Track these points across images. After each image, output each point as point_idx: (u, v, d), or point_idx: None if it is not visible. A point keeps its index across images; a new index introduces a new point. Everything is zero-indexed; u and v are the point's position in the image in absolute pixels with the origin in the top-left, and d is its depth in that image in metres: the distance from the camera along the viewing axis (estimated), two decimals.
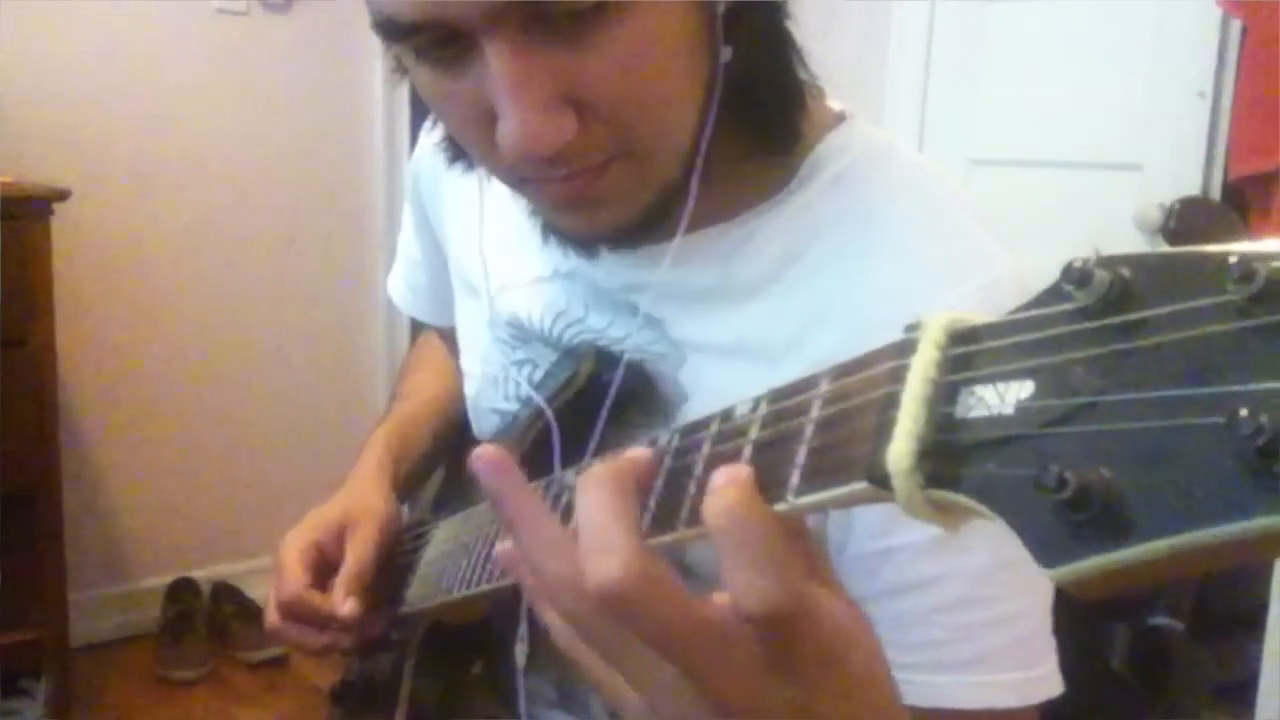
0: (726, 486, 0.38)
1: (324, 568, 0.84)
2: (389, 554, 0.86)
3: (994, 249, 0.65)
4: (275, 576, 0.84)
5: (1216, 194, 2.02)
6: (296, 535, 0.85)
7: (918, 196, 0.67)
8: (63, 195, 2.02)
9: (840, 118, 0.70)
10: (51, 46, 2.36)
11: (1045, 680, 0.63)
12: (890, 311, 0.61)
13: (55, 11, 2.35)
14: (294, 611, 0.82)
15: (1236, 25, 1.94)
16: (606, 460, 0.44)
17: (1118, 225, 2.12)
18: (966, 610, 0.61)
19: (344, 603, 0.80)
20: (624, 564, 0.38)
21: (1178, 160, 2.05)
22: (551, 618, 0.44)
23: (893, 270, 0.63)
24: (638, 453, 0.44)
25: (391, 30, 0.56)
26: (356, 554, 0.83)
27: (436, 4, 0.53)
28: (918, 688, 0.61)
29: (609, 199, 0.62)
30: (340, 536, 0.85)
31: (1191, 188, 2.03)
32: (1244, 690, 1.62)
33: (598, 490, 0.40)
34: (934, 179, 0.69)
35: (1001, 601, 0.61)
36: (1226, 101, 1.99)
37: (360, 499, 0.89)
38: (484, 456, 0.44)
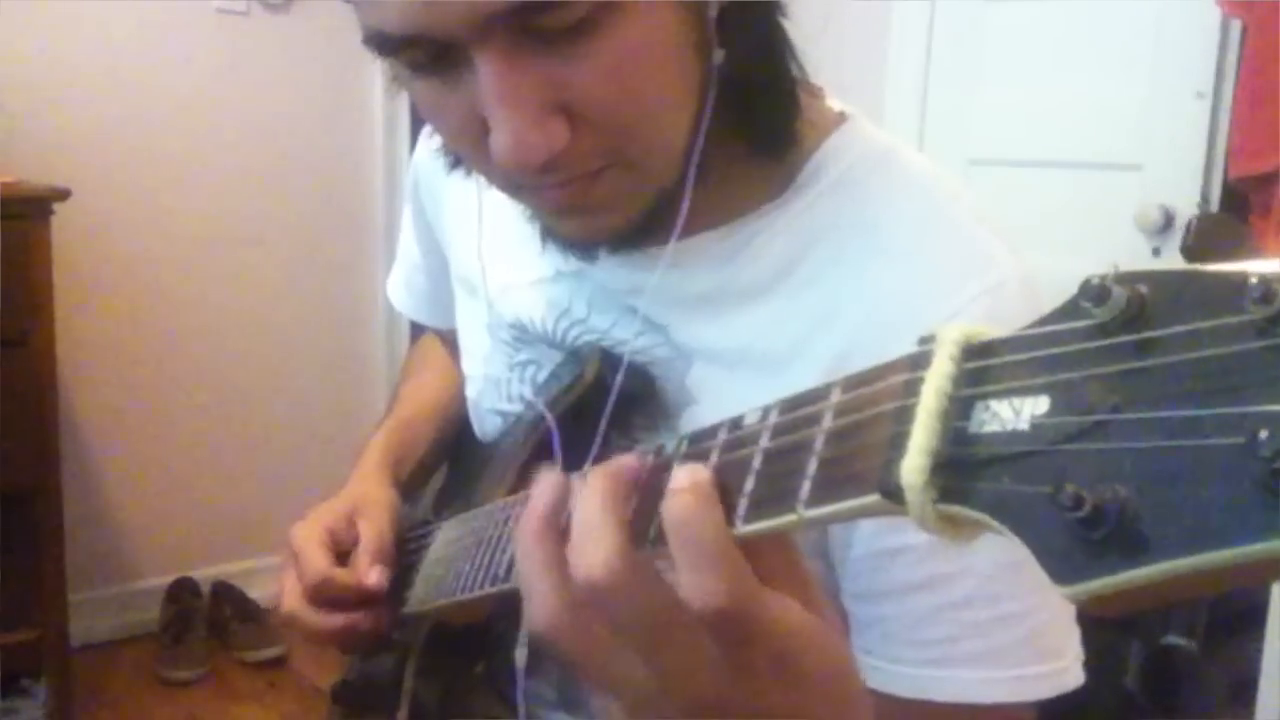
0: (683, 490, 0.40)
1: (339, 553, 0.83)
2: (398, 544, 0.85)
3: (998, 252, 0.64)
4: (294, 563, 0.82)
5: (1216, 194, 2.01)
6: (307, 524, 0.84)
7: (920, 199, 0.67)
8: (63, 195, 2.02)
9: (841, 118, 0.70)
10: (51, 46, 2.36)
11: (1057, 675, 0.63)
12: (894, 315, 0.62)
13: (55, 12, 2.35)
14: (321, 592, 0.80)
15: (1236, 25, 1.94)
16: (605, 463, 0.46)
17: (1117, 225, 2.11)
18: (975, 608, 0.61)
19: (370, 571, 0.79)
20: (609, 558, 0.41)
21: (1178, 160, 2.05)
22: (538, 598, 0.46)
23: (896, 274, 0.63)
24: (630, 459, 0.46)
25: (382, 44, 0.56)
26: (373, 530, 0.83)
27: (425, 17, 0.53)
28: (928, 682, 0.62)
29: (604, 205, 0.61)
30: (351, 523, 0.85)
31: (1191, 188, 2.03)
32: (1244, 690, 1.62)
33: (593, 489, 0.43)
34: (936, 181, 0.69)
35: (1011, 599, 0.61)
36: (1226, 102, 1.98)
37: (365, 492, 0.88)
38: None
